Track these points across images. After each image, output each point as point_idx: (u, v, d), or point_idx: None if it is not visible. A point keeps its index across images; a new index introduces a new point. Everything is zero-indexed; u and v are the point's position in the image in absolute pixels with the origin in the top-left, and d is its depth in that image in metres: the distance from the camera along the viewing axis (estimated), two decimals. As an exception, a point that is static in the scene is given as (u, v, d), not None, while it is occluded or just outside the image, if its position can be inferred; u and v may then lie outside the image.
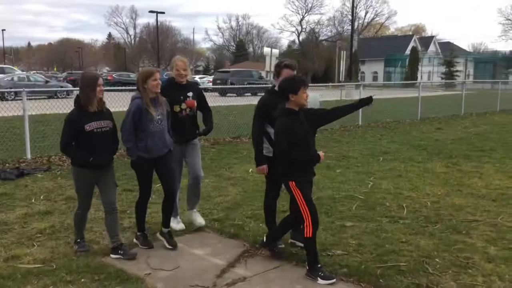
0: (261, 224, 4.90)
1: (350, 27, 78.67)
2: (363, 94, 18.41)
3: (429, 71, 62.30)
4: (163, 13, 52.71)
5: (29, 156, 8.24)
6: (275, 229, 4.26)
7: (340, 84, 25.95)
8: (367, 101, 4.00)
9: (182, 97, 4.62)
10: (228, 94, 26.70)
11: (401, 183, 6.96)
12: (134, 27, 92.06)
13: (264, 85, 21.29)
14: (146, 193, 4.40)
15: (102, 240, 4.56)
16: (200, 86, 5.16)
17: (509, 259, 4.13)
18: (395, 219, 5.28)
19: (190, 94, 4.66)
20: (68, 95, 25.06)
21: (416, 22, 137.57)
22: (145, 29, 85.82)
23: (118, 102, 9.04)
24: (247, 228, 4.91)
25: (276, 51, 20.30)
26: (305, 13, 76.38)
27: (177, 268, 3.92)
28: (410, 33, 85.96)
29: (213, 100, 20.18)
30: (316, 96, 8.28)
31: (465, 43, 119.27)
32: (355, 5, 79.28)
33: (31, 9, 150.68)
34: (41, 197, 6.02)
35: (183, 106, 4.60)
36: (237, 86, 26.46)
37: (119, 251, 4.13)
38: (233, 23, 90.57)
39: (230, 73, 31.78)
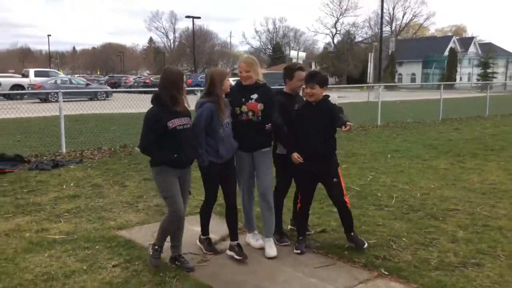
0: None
1: (386, 28, 78.76)
2: (376, 95, 18.76)
3: (469, 73, 61.16)
4: (199, 18, 54.33)
5: (64, 150, 9.20)
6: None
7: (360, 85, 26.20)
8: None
9: (244, 99, 4.24)
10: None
11: (400, 177, 7.43)
12: (174, 31, 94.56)
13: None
14: (213, 198, 4.30)
15: (119, 218, 5.31)
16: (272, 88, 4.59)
17: (472, 241, 4.61)
18: (381, 207, 5.81)
19: (254, 96, 4.22)
20: (108, 97, 26.49)
21: (457, 22, 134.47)
22: (184, 34, 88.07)
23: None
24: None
25: (303, 54, 20.90)
26: (340, 15, 76.33)
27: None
28: (450, 34, 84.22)
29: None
30: (333, 97, 8.62)
31: (509, 44, 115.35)
32: (393, 6, 79.34)
33: (77, 15, 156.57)
34: (71, 184, 6.88)
35: (244, 109, 4.21)
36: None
37: (176, 262, 4.04)
38: (270, 26, 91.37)
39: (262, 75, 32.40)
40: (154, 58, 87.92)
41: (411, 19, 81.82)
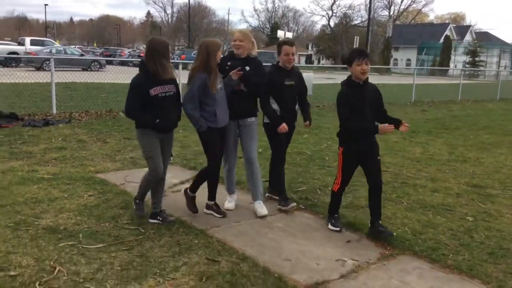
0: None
1: (384, 13, 79.15)
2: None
3: (464, 61, 62.05)
4: (195, -7, 54.49)
5: (54, 111, 10.14)
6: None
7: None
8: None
9: (228, 68, 4.40)
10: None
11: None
12: (172, 6, 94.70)
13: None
14: (218, 162, 4.47)
15: (98, 165, 6.27)
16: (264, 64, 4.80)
17: (386, 192, 5.55)
18: (323, 167, 6.80)
19: (247, 68, 4.42)
20: (101, 68, 27.23)
21: (456, 10, 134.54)
22: (182, 9, 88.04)
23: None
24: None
25: (289, 34, 21.64)
26: (337, -3, 76.54)
27: (143, 182, 5.60)
28: (448, 21, 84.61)
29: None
30: (309, 76, 9.36)
31: (509, 34, 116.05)
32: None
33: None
34: (59, 139, 7.84)
35: (235, 76, 4.33)
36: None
37: (158, 217, 4.25)
38: (269, 5, 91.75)
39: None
40: (151, 32, 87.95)
41: (409, 5, 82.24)
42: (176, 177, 5.87)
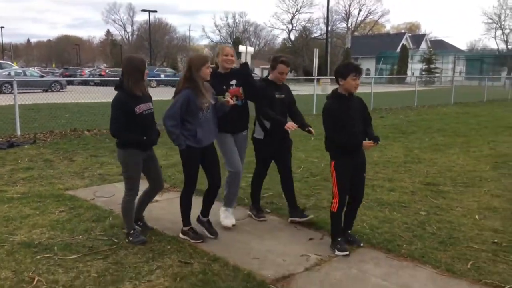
0: (179, 174, 6.74)
1: (342, 25, 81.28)
2: (324, 89, 20.54)
3: (420, 68, 64.26)
4: (155, 11, 54.83)
5: (18, 133, 10.09)
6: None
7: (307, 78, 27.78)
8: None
9: (224, 87, 4.44)
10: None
11: (314, 153, 8.78)
12: (132, 24, 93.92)
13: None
14: (193, 184, 4.29)
15: (66, 183, 6.37)
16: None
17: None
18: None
19: (233, 82, 4.46)
20: (62, 88, 26.96)
21: (411, 20, 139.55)
22: (142, 26, 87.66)
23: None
24: (173, 177, 6.76)
25: (251, 49, 21.93)
26: (296, 12, 78.24)
27: (113, 196, 5.74)
28: (403, 31, 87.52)
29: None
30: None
31: (463, 41, 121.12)
32: (349, 3, 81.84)
33: (32, 7, 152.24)
34: (26, 159, 7.87)
35: (227, 95, 4.35)
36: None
37: (129, 237, 4.20)
38: (230, 21, 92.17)
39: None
40: (111, 51, 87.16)
41: (366, 16, 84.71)
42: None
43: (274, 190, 6.10)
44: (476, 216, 5.07)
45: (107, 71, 40.06)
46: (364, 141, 3.95)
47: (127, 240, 4.18)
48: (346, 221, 4.24)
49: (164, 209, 5.28)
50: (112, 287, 3.30)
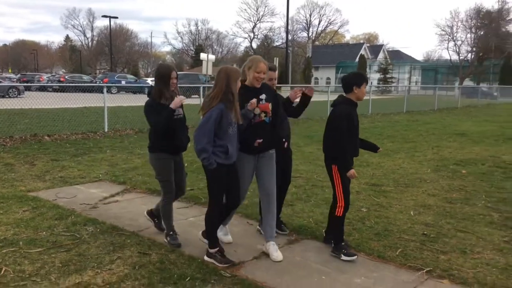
0: (140, 176, 7.05)
1: (303, 34, 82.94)
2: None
3: (378, 78, 66.36)
4: (116, 17, 54.46)
5: (-23, 138, 10.09)
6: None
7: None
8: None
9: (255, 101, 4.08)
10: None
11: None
12: (92, 30, 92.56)
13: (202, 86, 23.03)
14: (221, 203, 4.02)
15: (28, 185, 6.55)
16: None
17: (297, 193, 6.38)
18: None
19: (263, 96, 4.09)
20: (20, 94, 26.50)
21: (370, 30, 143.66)
22: (102, 32, 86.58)
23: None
24: (133, 179, 7.03)
25: (212, 57, 22.45)
26: (257, 21, 79.37)
27: (75, 197, 5.99)
28: (362, 41, 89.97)
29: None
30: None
31: (420, 52, 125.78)
32: (310, 13, 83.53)
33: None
34: (-14, 164, 7.96)
35: (257, 111, 4.03)
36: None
37: (167, 238, 4.37)
38: (192, 28, 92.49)
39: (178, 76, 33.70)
40: (70, 56, 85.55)
41: (326, 26, 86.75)
42: (106, 191, 6.32)
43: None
44: (411, 212, 5.61)
45: (66, 77, 39.43)
46: (351, 171, 4.10)
47: (165, 240, 4.36)
48: (330, 224, 4.43)
49: (124, 208, 5.57)
50: (76, 275, 3.60)
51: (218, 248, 3.98)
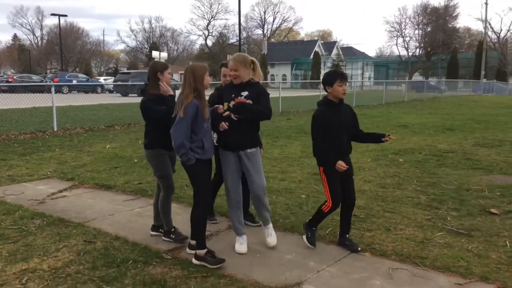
0: (88, 173, 7.19)
1: (258, 32, 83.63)
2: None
3: (332, 74, 67.64)
4: (65, 15, 53.15)
5: None
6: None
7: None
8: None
9: (233, 95, 4.06)
10: (130, 94, 28.68)
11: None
12: (41, 28, 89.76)
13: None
14: (208, 203, 4.09)
15: (-26, 184, 6.58)
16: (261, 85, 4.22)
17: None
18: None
19: (244, 93, 4.04)
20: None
21: (324, 28, 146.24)
22: (52, 31, 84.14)
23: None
24: (82, 175, 7.16)
25: (164, 54, 22.51)
26: (211, 18, 79.37)
27: (22, 193, 6.09)
28: (316, 38, 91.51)
29: (107, 99, 21.98)
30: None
31: (373, 48, 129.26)
32: (264, 10, 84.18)
33: None
34: None
35: (232, 104, 4.03)
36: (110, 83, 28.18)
37: (171, 235, 4.41)
38: (146, 25, 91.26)
39: (131, 74, 33.29)
40: (19, 56, 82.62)
41: (281, 23, 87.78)
42: (54, 187, 6.44)
43: (177, 183, 6.73)
44: (347, 197, 6.04)
45: (14, 77, 38.23)
46: (338, 162, 3.97)
47: (167, 239, 4.39)
48: (342, 225, 4.37)
49: (71, 203, 5.73)
50: (23, 263, 3.78)
51: (207, 250, 3.92)
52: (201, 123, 3.80)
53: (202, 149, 3.82)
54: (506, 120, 16.41)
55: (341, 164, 3.96)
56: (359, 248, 4.21)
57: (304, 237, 4.32)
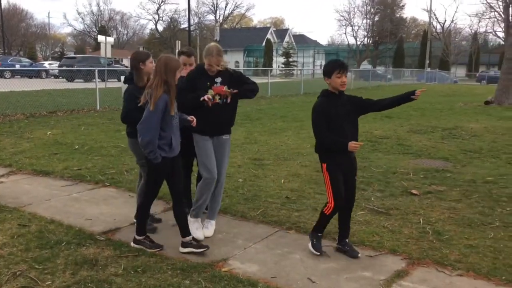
0: (27, 159, 7.15)
1: (210, 17, 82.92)
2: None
3: (282, 62, 68.44)
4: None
5: None
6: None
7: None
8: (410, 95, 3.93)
9: (208, 83, 4.10)
10: (76, 80, 27.94)
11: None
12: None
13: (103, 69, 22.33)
14: (155, 196, 4.03)
15: None
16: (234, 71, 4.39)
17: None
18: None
19: (218, 80, 4.12)
20: None
21: (276, 15, 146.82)
22: (-7, 12, 79.97)
23: None
24: (20, 162, 7.12)
25: (110, 39, 22.09)
26: (161, 2, 78.04)
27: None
28: (268, 25, 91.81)
29: (51, 85, 21.40)
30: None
31: (325, 36, 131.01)
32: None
33: None
34: None
35: (210, 93, 4.06)
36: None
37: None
38: (94, 8, 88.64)
39: (77, 59, 32.28)
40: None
41: (233, 9, 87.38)
42: (-9, 174, 6.39)
43: (117, 168, 6.83)
44: (282, 181, 6.34)
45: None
46: (350, 142, 3.73)
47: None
48: (341, 229, 4.09)
49: (8, 188, 5.73)
50: (-47, 247, 3.83)
51: (145, 235, 3.99)
52: (169, 119, 3.69)
53: (170, 146, 3.74)
54: (442, 108, 17.32)
55: (354, 144, 3.72)
56: (359, 255, 3.94)
57: (310, 244, 4.03)
